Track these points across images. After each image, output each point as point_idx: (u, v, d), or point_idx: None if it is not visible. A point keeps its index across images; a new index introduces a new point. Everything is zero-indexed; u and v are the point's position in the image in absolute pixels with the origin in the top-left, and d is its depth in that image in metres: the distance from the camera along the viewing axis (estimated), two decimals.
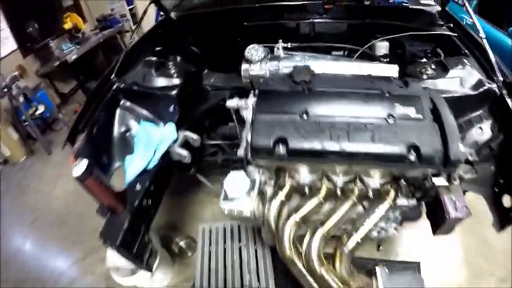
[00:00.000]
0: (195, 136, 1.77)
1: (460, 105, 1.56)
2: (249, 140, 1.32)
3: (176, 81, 1.89)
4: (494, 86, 1.62)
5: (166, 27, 2.47)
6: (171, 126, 1.72)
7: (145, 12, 2.39)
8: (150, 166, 1.67)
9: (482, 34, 1.82)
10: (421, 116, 1.28)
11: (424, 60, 1.89)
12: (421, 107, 1.30)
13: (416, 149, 1.21)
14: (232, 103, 1.53)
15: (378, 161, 1.25)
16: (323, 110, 1.34)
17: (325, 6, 2.23)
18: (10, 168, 3.94)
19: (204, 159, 2.32)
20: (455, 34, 2.01)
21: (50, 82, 4.82)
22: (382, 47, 2.01)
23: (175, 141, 1.72)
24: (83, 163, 1.35)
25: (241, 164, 1.45)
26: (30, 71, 4.50)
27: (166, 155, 1.71)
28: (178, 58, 2.06)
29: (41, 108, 4.23)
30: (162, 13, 2.58)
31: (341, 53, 2.15)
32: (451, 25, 2.14)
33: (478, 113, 1.65)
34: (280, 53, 1.85)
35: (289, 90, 1.44)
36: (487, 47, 1.78)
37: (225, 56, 2.27)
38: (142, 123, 1.75)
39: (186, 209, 2.92)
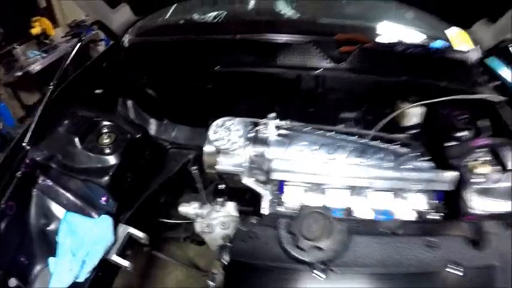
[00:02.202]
0: (141, 234, 1.25)
1: None
2: None
3: (110, 159, 1.31)
4: None
5: (113, 59, 1.73)
6: (105, 223, 1.20)
7: (79, 40, 1.66)
8: (81, 279, 1.16)
9: None
10: None
11: (466, 133, 1.39)
12: None
13: None
14: (187, 210, 1.04)
15: None
16: None
17: (342, 48, 1.61)
18: None
19: (163, 235, 1.80)
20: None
21: (12, 92, 4.25)
22: (415, 114, 1.50)
23: (114, 242, 1.21)
24: None
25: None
26: None
27: (103, 261, 1.20)
28: (118, 116, 1.54)
29: None
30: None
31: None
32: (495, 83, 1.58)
33: None
34: (270, 133, 1.25)
35: (288, 268, 0.94)
36: None
37: (191, 102, 1.74)
38: (67, 215, 1.21)
39: (146, 271, 2.38)
